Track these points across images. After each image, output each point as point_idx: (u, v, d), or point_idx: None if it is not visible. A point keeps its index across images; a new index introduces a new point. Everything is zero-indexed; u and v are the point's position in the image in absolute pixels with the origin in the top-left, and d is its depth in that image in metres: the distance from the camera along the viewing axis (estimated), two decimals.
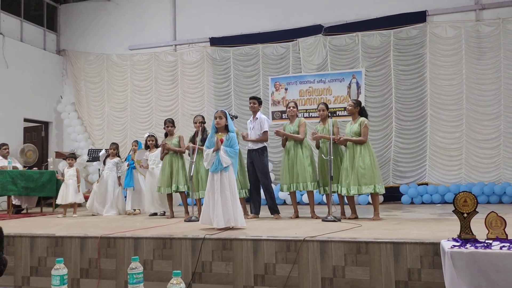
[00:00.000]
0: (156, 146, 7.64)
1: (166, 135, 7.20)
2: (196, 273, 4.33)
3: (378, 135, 9.76)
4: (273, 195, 6.64)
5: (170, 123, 7.20)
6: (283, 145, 6.59)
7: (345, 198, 6.36)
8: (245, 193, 6.67)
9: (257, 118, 6.65)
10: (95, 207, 7.97)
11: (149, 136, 7.83)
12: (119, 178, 8.13)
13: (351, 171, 5.91)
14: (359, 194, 6.31)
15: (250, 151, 6.64)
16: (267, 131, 6.60)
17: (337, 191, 6.20)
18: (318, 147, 6.47)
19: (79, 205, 8.13)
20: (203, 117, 6.95)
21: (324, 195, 7.24)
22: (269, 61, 10.72)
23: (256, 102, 6.73)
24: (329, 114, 6.32)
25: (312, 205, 6.48)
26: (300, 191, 6.45)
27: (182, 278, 4.41)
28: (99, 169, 8.42)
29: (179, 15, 11.64)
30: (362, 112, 6.21)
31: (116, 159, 8.18)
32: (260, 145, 6.57)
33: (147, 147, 7.80)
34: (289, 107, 6.58)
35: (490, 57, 9.34)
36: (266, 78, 10.72)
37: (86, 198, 8.31)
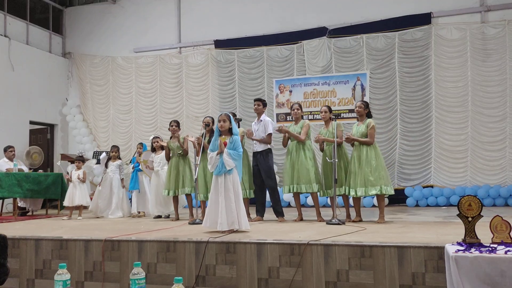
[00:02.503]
0: (162, 147, 7.65)
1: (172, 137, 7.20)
2: (200, 277, 4.33)
3: (383, 137, 9.72)
4: (278, 198, 6.64)
5: (174, 123, 7.20)
6: (284, 144, 6.55)
7: (350, 200, 6.35)
8: (249, 193, 6.65)
9: (261, 120, 6.66)
10: (99, 209, 7.99)
11: (154, 137, 7.86)
12: (122, 180, 8.16)
13: (358, 172, 5.91)
14: (365, 196, 6.26)
15: (255, 154, 6.63)
16: (271, 134, 6.60)
17: (345, 193, 6.17)
18: (322, 150, 6.46)
19: (85, 207, 8.16)
20: (212, 119, 6.90)
21: (328, 198, 7.22)
22: (273, 63, 10.73)
23: (261, 103, 6.73)
24: (333, 117, 6.31)
25: (317, 207, 6.47)
26: (302, 192, 6.41)
27: (186, 281, 4.44)
28: (103, 172, 8.45)
29: (183, 17, 11.67)
30: (369, 113, 6.23)
31: (119, 162, 8.22)
32: (265, 147, 6.57)
33: (153, 149, 7.81)
34: (293, 109, 6.55)
35: (495, 59, 9.29)
36: (270, 80, 10.73)
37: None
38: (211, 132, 6.59)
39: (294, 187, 6.29)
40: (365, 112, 6.16)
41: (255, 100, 6.84)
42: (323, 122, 6.59)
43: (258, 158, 6.57)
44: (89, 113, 12.18)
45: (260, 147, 6.57)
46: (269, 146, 6.63)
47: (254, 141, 6.65)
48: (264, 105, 6.83)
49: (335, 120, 6.20)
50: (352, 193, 5.96)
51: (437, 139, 9.60)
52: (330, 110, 6.49)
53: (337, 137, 6.05)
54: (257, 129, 6.64)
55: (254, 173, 6.64)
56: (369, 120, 6.09)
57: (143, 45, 11.90)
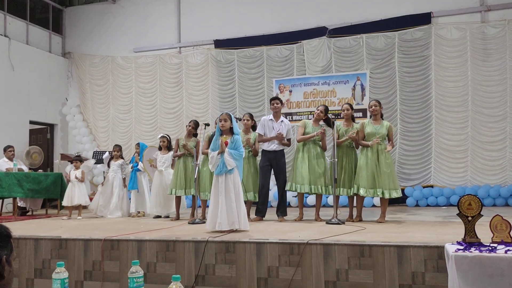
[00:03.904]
0: (168, 148, 7.63)
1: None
2: (199, 276, 4.32)
3: None
4: (286, 197, 6.77)
5: (193, 124, 7.19)
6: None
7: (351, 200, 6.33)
8: (254, 197, 6.59)
9: (282, 121, 6.66)
10: (99, 209, 7.98)
11: (161, 137, 7.80)
12: (124, 179, 8.15)
13: (377, 173, 5.82)
14: (388, 198, 6.04)
15: (271, 152, 6.54)
16: (290, 139, 6.75)
17: (354, 192, 6.03)
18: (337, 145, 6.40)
19: (84, 207, 8.16)
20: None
21: (330, 197, 7.20)
22: (273, 63, 10.72)
23: (279, 102, 6.71)
24: (333, 117, 6.27)
25: (318, 207, 6.47)
26: (318, 193, 6.32)
27: (185, 280, 4.42)
28: (103, 172, 8.43)
29: (183, 17, 11.67)
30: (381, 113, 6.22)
31: (121, 161, 8.20)
32: (282, 147, 6.62)
33: (160, 148, 7.79)
34: (319, 110, 6.42)
35: (495, 58, 9.28)
36: (270, 80, 10.72)
37: (91, 200, 8.33)
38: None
39: (314, 188, 6.21)
40: (381, 109, 6.14)
41: (274, 98, 6.79)
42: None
43: (274, 157, 6.54)
44: (89, 113, 12.18)
45: (279, 147, 6.58)
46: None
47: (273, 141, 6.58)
48: (282, 103, 6.90)
49: (335, 120, 6.19)
50: (363, 192, 5.84)
51: (437, 139, 9.59)
52: (352, 108, 6.46)
53: (338, 138, 6.04)
54: (278, 129, 6.55)
55: (264, 172, 6.54)
56: (387, 123, 6.09)
57: (143, 45, 11.89)
